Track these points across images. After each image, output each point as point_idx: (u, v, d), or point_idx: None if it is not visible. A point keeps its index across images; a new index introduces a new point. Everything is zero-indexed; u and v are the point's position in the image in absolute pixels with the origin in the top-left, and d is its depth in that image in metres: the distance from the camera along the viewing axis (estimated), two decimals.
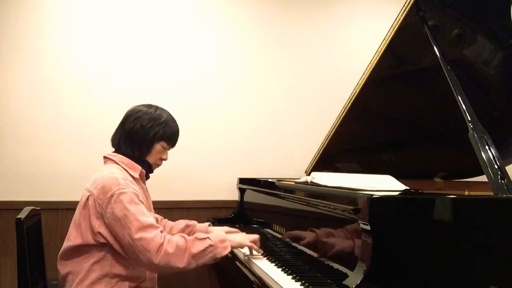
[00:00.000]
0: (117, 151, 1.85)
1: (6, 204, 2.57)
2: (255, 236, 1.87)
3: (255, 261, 1.81)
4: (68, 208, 2.58)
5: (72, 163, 2.68)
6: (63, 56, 2.72)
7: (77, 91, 2.73)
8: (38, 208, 1.96)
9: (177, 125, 1.90)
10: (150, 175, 1.94)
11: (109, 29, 2.79)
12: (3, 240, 2.58)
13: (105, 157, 1.85)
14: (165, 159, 1.91)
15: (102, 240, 1.67)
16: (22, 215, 1.71)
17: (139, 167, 1.82)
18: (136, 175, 1.80)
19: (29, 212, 1.79)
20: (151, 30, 2.86)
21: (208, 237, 1.70)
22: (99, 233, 1.66)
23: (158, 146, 1.85)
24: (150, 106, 1.88)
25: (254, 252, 1.88)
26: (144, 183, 1.91)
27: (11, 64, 2.66)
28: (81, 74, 2.74)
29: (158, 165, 1.91)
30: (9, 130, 2.64)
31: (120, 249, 1.68)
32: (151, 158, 1.86)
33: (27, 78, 2.67)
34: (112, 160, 1.81)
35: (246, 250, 1.91)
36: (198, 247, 1.66)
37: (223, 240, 1.73)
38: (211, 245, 1.68)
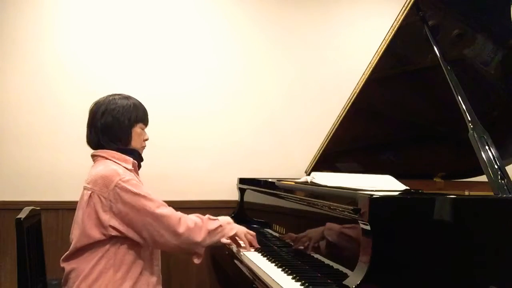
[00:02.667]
0: (102, 148, 1.83)
1: (6, 204, 2.57)
2: (252, 233, 1.98)
3: (255, 261, 1.82)
4: (68, 208, 2.58)
5: (72, 163, 2.67)
6: (63, 56, 2.72)
7: (78, 92, 2.73)
8: (38, 208, 1.96)
9: (141, 102, 1.90)
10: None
11: (110, 29, 2.79)
12: (3, 240, 2.58)
13: (94, 155, 1.84)
14: (147, 139, 1.92)
15: (114, 233, 1.69)
16: (22, 215, 1.72)
17: (130, 159, 1.82)
18: (130, 167, 1.80)
19: (29, 212, 1.79)
20: (152, 31, 2.86)
21: (217, 219, 1.87)
22: (110, 226, 1.68)
23: (137, 129, 1.85)
24: (106, 97, 1.87)
25: (243, 245, 1.97)
26: (137, 174, 1.90)
27: (11, 65, 2.65)
28: (82, 75, 2.74)
29: (144, 147, 1.92)
30: (9, 130, 2.64)
31: (134, 235, 1.70)
32: (135, 143, 1.86)
33: (28, 79, 2.67)
34: (102, 156, 1.80)
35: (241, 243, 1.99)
36: (212, 225, 1.82)
37: (230, 223, 1.90)
38: (220, 226, 1.84)
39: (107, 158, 1.79)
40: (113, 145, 1.81)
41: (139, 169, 1.92)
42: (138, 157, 1.88)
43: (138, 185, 1.72)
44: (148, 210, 1.68)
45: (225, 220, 1.90)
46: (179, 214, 1.76)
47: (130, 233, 1.70)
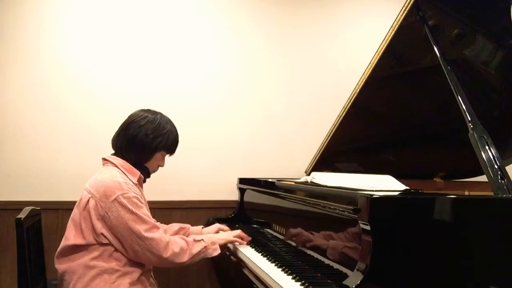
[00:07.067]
0: (117, 154, 1.87)
1: (6, 204, 2.57)
2: (238, 231, 2.07)
3: (255, 261, 1.82)
4: (68, 208, 2.55)
5: (72, 163, 2.67)
6: (63, 56, 2.72)
7: (77, 92, 2.72)
8: (38, 208, 1.96)
9: (177, 134, 1.94)
10: (146, 179, 1.97)
11: (109, 29, 2.79)
12: (3, 240, 2.58)
13: (104, 159, 1.87)
14: (162, 166, 1.97)
15: (105, 241, 1.72)
16: (22, 215, 1.71)
17: (138, 172, 1.85)
18: (135, 180, 1.82)
19: (29, 212, 1.79)
20: (151, 31, 2.85)
21: (203, 239, 1.89)
22: (102, 234, 1.71)
23: (158, 155, 1.90)
24: (154, 113, 1.91)
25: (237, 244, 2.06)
26: (142, 187, 1.93)
27: (11, 65, 2.65)
28: (81, 75, 2.74)
29: (154, 171, 1.97)
30: (9, 130, 2.64)
31: (121, 247, 1.73)
32: (150, 165, 1.91)
33: (27, 79, 2.67)
34: (112, 163, 1.83)
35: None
36: (196, 248, 1.84)
37: (214, 243, 1.91)
38: (205, 247, 1.87)
39: (115, 166, 1.81)
40: (131, 156, 1.85)
41: (144, 182, 1.94)
42: (146, 173, 1.91)
43: (137, 204, 1.73)
44: (138, 230, 1.70)
45: (210, 239, 1.92)
46: (167, 238, 1.77)
47: (117, 244, 1.73)
